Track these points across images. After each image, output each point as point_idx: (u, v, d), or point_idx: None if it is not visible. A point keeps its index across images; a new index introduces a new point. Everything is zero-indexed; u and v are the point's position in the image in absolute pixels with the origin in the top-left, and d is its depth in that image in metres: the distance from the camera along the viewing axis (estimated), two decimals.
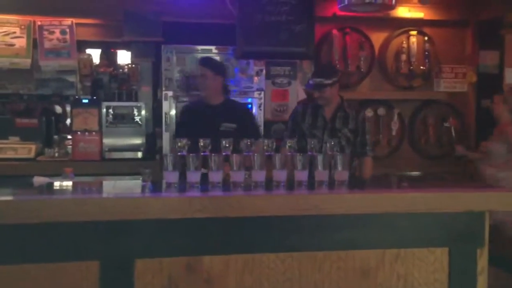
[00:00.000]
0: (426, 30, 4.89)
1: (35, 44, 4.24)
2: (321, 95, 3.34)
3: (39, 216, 1.82)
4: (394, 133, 4.86)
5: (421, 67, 4.84)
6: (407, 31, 4.84)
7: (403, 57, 4.83)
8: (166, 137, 4.13)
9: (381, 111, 4.81)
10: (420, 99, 4.97)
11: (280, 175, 2.20)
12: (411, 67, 4.82)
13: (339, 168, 2.28)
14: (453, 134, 4.89)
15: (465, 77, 4.92)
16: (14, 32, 4.20)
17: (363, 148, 3.38)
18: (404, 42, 4.84)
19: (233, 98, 3.78)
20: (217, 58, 4.10)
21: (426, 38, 4.85)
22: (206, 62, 3.53)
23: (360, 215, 2.08)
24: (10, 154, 3.96)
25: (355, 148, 3.34)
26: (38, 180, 2.36)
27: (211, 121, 3.34)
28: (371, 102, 4.81)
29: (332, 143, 2.40)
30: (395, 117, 4.87)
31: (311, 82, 3.38)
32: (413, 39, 4.84)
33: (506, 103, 4.17)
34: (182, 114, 3.66)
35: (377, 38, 4.86)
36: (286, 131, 3.57)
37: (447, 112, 4.97)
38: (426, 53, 4.84)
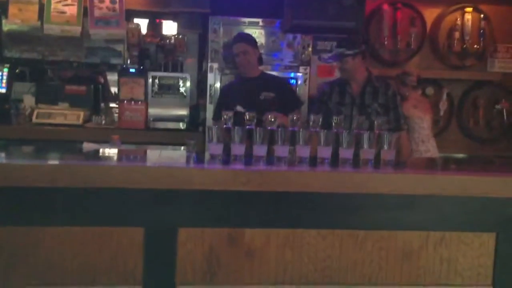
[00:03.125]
0: (482, 7, 4.67)
1: (85, 12, 4.30)
2: (342, 66, 3.27)
3: (89, 181, 1.87)
4: (441, 113, 4.72)
5: (475, 46, 4.65)
6: (462, 8, 4.65)
7: (456, 34, 4.64)
8: (210, 109, 4.15)
9: (429, 90, 4.66)
10: (472, 79, 4.79)
11: (324, 151, 2.18)
12: (465, 46, 4.64)
13: (385, 146, 2.23)
14: (505, 117, 4.70)
15: None
16: (66, 0, 4.27)
17: (397, 122, 3.27)
18: (458, 19, 4.65)
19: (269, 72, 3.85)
20: (263, 31, 4.07)
21: (482, 15, 4.64)
22: (245, 38, 3.63)
23: (405, 196, 2.04)
24: (59, 120, 4.08)
25: (388, 123, 3.23)
26: (87, 146, 2.42)
27: (251, 92, 3.46)
28: (419, 81, 4.65)
29: (380, 121, 2.34)
30: (444, 97, 4.71)
31: (334, 53, 3.31)
32: (468, 16, 4.64)
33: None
34: (222, 94, 3.73)
35: (430, 14, 4.69)
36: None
37: (500, 94, 4.78)
38: (481, 31, 4.64)
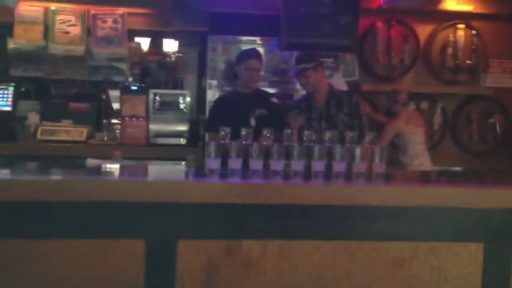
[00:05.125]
0: (474, 23, 4.79)
1: (88, 32, 4.41)
2: (307, 80, 3.38)
3: (93, 195, 1.94)
4: (436, 127, 4.81)
5: (468, 61, 4.75)
6: (454, 25, 4.76)
7: (449, 50, 4.75)
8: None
9: (423, 105, 4.77)
10: (465, 94, 4.89)
11: (318, 165, 2.27)
12: (457, 61, 4.74)
13: (377, 160, 2.32)
14: (498, 130, 4.80)
15: None
16: (70, 20, 4.37)
17: (360, 131, 3.21)
18: (451, 35, 4.76)
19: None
20: (261, 49, 4.18)
21: (474, 32, 4.76)
22: (259, 54, 3.64)
23: (396, 207, 2.11)
24: (63, 136, 4.15)
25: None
26: (91, 162, 2.51)
27: (246, 108, 3.51)
28: (414, 96, 4.76)
29: (371, 136, 2.44)
30: (438, 112, 4.81)
31: (295, 71, 3.41)
32: (460, 33, 4.75)
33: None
34: (216, 104, 3.78)
35: (423, 31, 4.80)
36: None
37: (492, 108, 4.87)
38: (474, 47, 4.75)
